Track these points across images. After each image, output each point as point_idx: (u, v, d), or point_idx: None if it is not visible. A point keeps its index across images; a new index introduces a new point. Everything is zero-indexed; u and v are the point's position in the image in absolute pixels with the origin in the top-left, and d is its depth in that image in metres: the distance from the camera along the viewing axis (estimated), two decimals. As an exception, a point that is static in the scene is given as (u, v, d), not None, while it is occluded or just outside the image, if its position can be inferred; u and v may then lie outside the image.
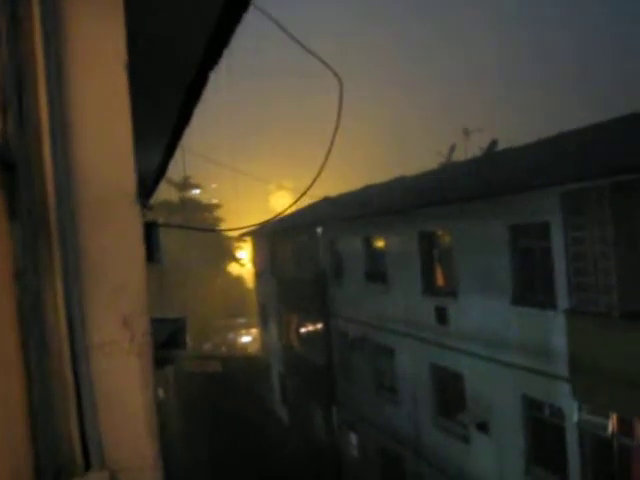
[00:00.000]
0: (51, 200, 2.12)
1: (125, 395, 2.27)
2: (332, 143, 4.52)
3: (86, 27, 2.20)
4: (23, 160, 1.86)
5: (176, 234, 32.09)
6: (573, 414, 14.79)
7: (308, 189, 4.67)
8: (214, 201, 59.46)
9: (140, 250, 2.30)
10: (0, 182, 1.65)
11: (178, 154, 7.60)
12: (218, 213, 59.27)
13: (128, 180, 2.29)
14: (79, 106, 2.21)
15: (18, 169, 1.73)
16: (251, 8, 3.52)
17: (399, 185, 27.38)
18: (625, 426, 13.80)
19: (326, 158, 4.52)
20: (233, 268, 60.15)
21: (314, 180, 4.51)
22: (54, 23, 2.14)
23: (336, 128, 4.52)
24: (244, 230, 32.00)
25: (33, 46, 2.10)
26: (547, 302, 15.26)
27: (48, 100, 2.13)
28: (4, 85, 1.71)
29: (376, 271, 23.84)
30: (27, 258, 1.83)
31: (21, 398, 1.75)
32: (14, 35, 1.78)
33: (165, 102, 4.87)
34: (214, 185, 65.98)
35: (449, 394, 20.27)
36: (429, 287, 20.49)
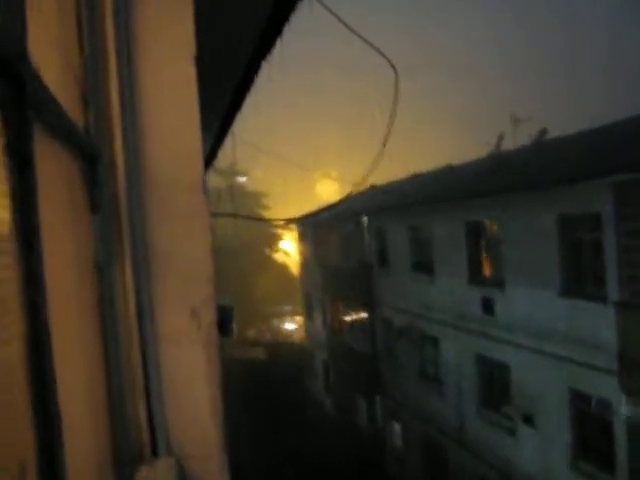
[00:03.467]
0: (122, 193, 2.16)
1: (191, 384, 2.31)
2: (388, 133, 4.52)
3: (157, 21, 2.23)
4: (103, 154, 1.90)
5: (224, 221, 32.33)
6: (621, 408, 14.57)
7: (364, 179, 4.68)
8: (260, 189, 59.80)
9: (207, 241, 2.34)
10: (83, 175, 1.69)
11: (226, 141, 7.66)
12: (264, 201, 59.59)
13: (196, 172, 2.32)
14: (150, 100, 2.25)
15: (99, 163, 1.77)
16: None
17: (447, 174, 27.15)
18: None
19: (383, 147, 4.52)
20: (279, 256, 60.48)
21: (370, 170, 4.51)
22: (125, 19, 2.18)
23: (391, 118, 4.51)
24: (293, 219, 32.12)
25: (106, 41, 2.13)
26: (597, 294, 15.03)
27: (120, 94, 2.17)
28: (86, 79, 1.75)
29: (422, 261, 23.73)
30: (106, 251, 1.87)
31: (103, 386, 1.79)
32: (91, 32, 1.82)
33: (219, 90, 4.90)
34: (260, 173, 66.32)
35: (494, 386, 20.13)
36: (476, 277, 20.34)
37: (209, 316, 2.32)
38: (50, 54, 1.50)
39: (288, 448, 27.12)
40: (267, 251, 59.08)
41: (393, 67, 4.31)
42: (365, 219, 28.93)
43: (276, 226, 55.47)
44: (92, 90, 1.80)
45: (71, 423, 1.34)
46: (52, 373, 1.19)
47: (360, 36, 4.21)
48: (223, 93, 5.06)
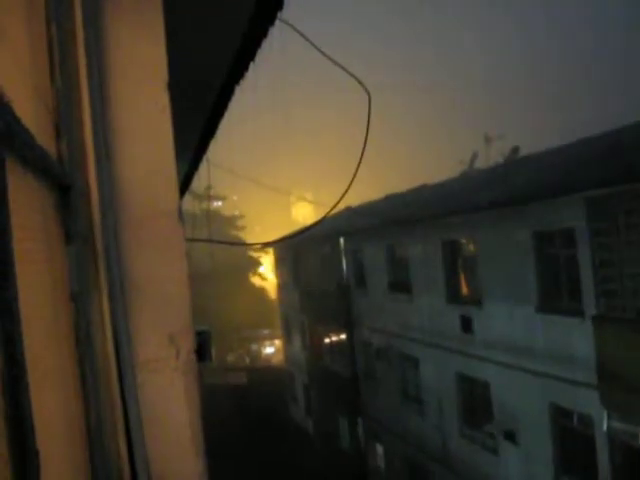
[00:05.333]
0: (97, 222, 2.14)
1: (171, 413, 2.28)
2: (362, 155, 4.53)
3: (129, 47, 2.23)
4: (76, 183, 1.89)
5: (201, 246, 32.22)
6: (602, 422, 14.63)
7: (339, 201, 4.69)
8: (236, 213, 59.81)
9: (184, 267, 2.32)
10: (57, 205, 1.68)
11: (202, 166, 7.66)
12: (241, 225, 59.60)
13: (171, 198, 2.31)
14: (123, 127, 2.24)
15: (73, 192, 1.75)
16: (277, 22, 3.55)
17: (421, 194, 27.33)
18: (656, 434, 13.63)
19: (356, 170, 4.53)
20: (256, 280, 60.38)
21: (345, 191, 4.52)
22: (97, 46, 2.18)
23: (365, 141, 4.53)
24: (270, 243, 32.11)
25: (77, 69, 2.13)
26: (574, 309, 15.13)
27: (92, 122, 2.16)
28: (58, 108, 1.74)
29: (400, 280, 23.79)
30: (81, 281, 1.85)
31: (80, 419, 1.77)
32: (62, 59, 1.81)
33: (193, 115, 4.90)
34: (235, 197, 66.35)
35: (475, 404, 20.14)
36: (454, 296, 20.40)
37: (188, 343, 2.30)
38: (20, 83, 1.49)
39: (270, 474, 26.89)
40: (244, 275, 58.97)
41: (366, 90, 4.34)
42: (342, 240, 28.98)
43: (253, 250, 55.44)
44: (64, 118, 1.78)
45: (49, 458, 1.32)
46: (28, 407, 1.17)
47: (332, 59, 4.23)
48: (197, 118, 5.07)
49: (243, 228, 59.89)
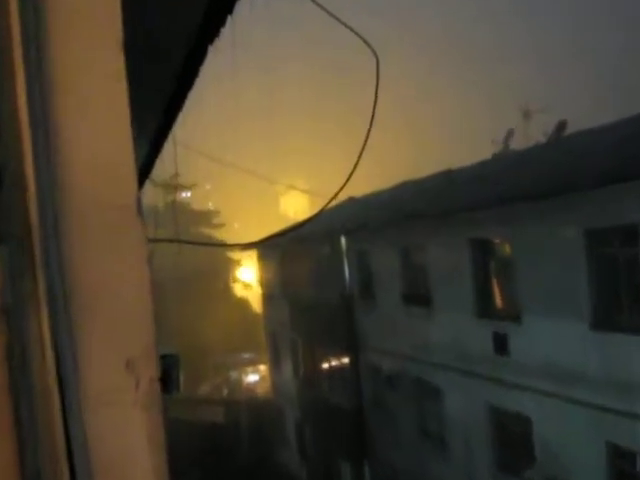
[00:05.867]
0: (34, 218, 2.12)
1: (130, 456, 2.27)
2: (368, 133, 4.54)
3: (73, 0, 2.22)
4: (7, 169, 1.88)
5: (166, 249, 32.17)
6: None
7: (340, 191, 4.68)
8: (210, 206, 59.82)
9: (144, 274, 2.31)
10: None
11: (166, 148, 7.65)
12: (216, 221, 59.62)
13: (128, 188, 2.29)
14: (67, 99, 2.23)
15: (3, 183, 1.74)
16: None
17: (444, 181, 27.31)
18: None
19: (362, 151, 4.54)
20: (237, 289, 60.42)
21: (348, 178, 4.52)
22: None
23: (372, 116, 4.54)
24: (253, 244, 32.00)
25: (8, 23, 2.11)
26: (638, 326, 15.12)
27: (27, 92, 2.15)
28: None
29: (417, 290, 23.81)
30: (15, 290, 1.84)
31: (13, 467, 1.76)
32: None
33: (155, 83, 4.89)
34: (208, 186, 66.27)
35: (512, 443, 20.16)
36: (485, 309, 20.43)
37: (150, 369, 2.29)
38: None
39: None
40: (221, 284, 58.97)
41: (373, 52, 4.35)
42: (343, 240, 28.99)
43: (232, 252, 55.42)
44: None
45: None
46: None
47: (334, 16, 4.24)
48: (161, 88, 5.06)
49: (220, 226, 59.92)
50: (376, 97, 4.50)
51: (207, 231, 57.20)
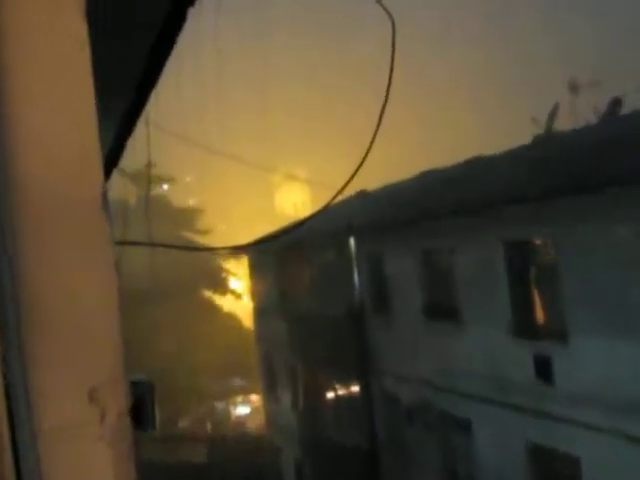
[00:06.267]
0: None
1: (94, 503, 2.27)
2: (382, 113, 4.54)
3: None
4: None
5: (137, 253, 32.19)
6: None
7: (349, 182, 4.68)
8: (192, 202, 59.86)
9: (112, 284, 2.31)
10: None
11: (138, 131, 7.66)
12: (199, 220, 59.58)
13: (92, 179, 2.29)
14: (20, 71, 2.23)
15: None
16: None
17: (474, 171, 27.30)
18: None
19: (375, 135, 4.54)
20: (224, 302, 60.37)
21: (358, 167, 4.52)
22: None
23: (387, 92, 4.54)
24: (242, 247, 32.01)
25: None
26: None
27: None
28: None
29: (442, 302, 23.80)
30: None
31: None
32: None
33: (124, 52, 4.89)
34: (191, 178, 66.35)
35: (558, 489, 20.17)
36: (524, 326, 20.40)
37: (117, 400, 2.29)
38: None
39: None
40: (205, 295, 59.00)
41: (389, 15, 4.35)
42: (353, 242, 29.00)
43: (218, 257, 55.42)
44: None
45: None
46: None
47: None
48: (131, 59, 5.06)
49: (206, 233, 59.82)
50: (392, 67, 4.49)
51: (188, 232, 57.16)
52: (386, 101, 4.62)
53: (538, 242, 20.39)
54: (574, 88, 33.61)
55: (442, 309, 23.70)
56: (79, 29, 2.27)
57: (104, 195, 2.34)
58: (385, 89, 4.59)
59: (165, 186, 57.60)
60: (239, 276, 56.87)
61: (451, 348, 23.17)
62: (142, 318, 43.59)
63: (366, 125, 4.68)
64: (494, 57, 76.84)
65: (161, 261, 44.65)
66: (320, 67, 78.13)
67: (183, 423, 50.88)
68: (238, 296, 58.29)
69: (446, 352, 23.41)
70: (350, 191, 31.31)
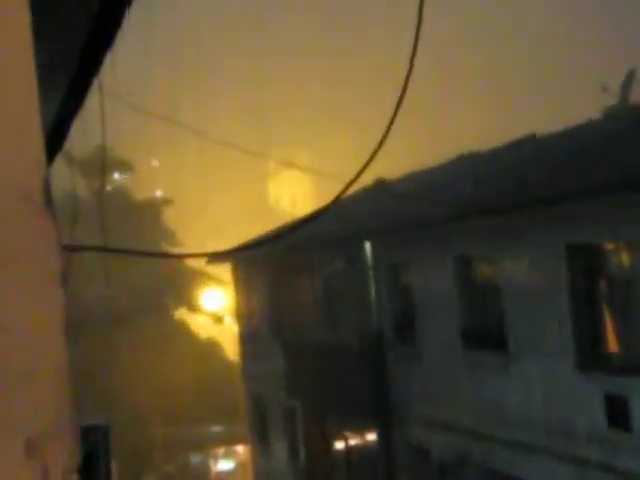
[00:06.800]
0: None
1: None
2: (406, 85, 4.55)
3: None
4: None
5: (91, 262, 32.33)
6: None
7: (363, 170, 4.68)
8: (159, 194, 59.95)
9: (56, 301, 2.30)
10: None
11: (90, 106, 7.68)
12: (168, 218, 59.69)
13: (29, 166, 2.30)
14: None
15: None
16: None
17: (528, 153, 27.31)
18: None
19: (396, 111, 4.54)
20: (200, 324, 60.44)
21: (375, 152, 4.52)
22: None
23: (412, 60, 4.55)
24: (225, 253, 32.01)
25: None
26: None
27: None
28: None
29: (484, 326, 23.82)
30: None
31: None
32: None
33: (70, 6, 4.92)
34: (156, 161, 66.39)
35: None
36: (591, 357, 20.42)
37: (63, 454, 2.29)
38: None
39: None
40: (176, 317, 59.11)
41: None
42: (369, 248, 29.03)
43: (193, 267, 55.56)
44: None
45: None
46: None
47: None
48: (80, 14, 5.08)
49: (171, 229, 59.91)
50: (416, 43, 4.52)
51: (153, 235, 57.28)
52: (409, 75, 4.62)
53: (610, 246, 20.36)
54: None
55: (485, 334, 23.71)
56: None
57: (46, 186, 2.34)
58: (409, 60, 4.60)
59: (126, 174, 57.70)
60: (221, 291, 56.88)
61: (497, 385, 23.19)
62: (95, 347, 43.67)
63: (386, 99, 4.69)
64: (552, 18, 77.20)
65: (120, 271, 44.74)
66: (324, 27, 78.24)
67: (149, 481, 51.05)
68: (218, 319, 58.32)
69: (491, 391, 23.43)
70: (364, 182, 31.38)
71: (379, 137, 4.62)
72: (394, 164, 24.02)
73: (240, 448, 50.92)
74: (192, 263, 54.16)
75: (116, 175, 56.28)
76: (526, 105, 65.99)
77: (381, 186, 32.68)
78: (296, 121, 73.99)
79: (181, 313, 59.42)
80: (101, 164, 49.03)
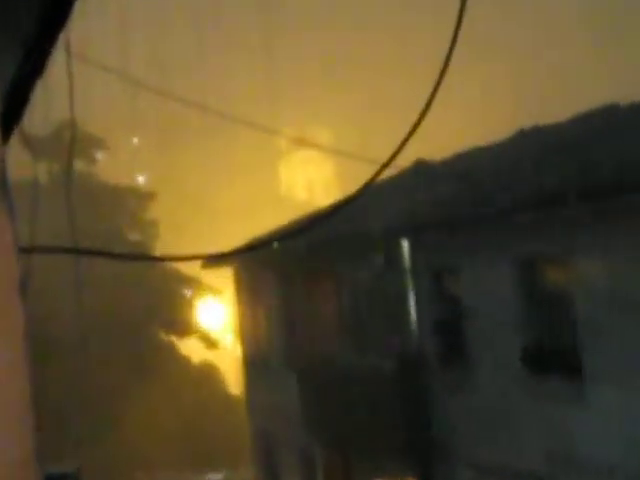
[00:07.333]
0: None
1: None
2: (451, 52, 4.58)
3: None
4: None
5: (56, 266, 32.51)
6: None
7: (399, 151, 4.71)
8: (139, 179, 60.10)
9: (15, 319, 2.33)
10: None
11: (53, 71, 7.71)
12: (151, 207, 59.81)
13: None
14: None
15: None
16: None
17: (610, 125, 27.26)
18: None
19: (439, 82, 4.58)
20: (192, 347, 60.46)
21: (414, 127, 4.55)
22: None
23: (456, 33, 4.59)
24: (225, 254, 31.98)
25: None
26: None
27: None
28: None
29: (553, 345, 23.81)
30: None
31: None
32: None
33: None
34: (136, 139, 66.42)
35: None
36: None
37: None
38: None
39: None
40: (162, 337, 59.21)
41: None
42: (406, 247, 29.04)
43: (183, 272, 55.74)
44: None
45: None
46: None
47: None
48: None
49: (159, 229, 60.00)
50: (462, 11, 4.56)
51: (133, 232, 57.46)
52: (455, 40, 4.67)
53: None
54: None
55: (554, 356, 23.69)
56: None
57: (1, 171, 2.36)
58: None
59: (97, 154, 57.79)
60: (218, 304, 57.01)
61: (569, 421, 23.19)
62: (69, 377, 43.86)
63: (421, 76, 4.75)
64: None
65: (91, 277, 44.85)
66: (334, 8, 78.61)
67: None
68: (212, 344, 58.39)
69: (562, 426, 23.43)
70: (399, 165, 31.36)
71: (408, 114, 4.68)
72: (433, 145, 23.97)
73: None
74: (183, 267, 54.31)
75: (85, 157, 56.25)
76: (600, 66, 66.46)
77: (423, 169, 32.65)
78: (311, 98, 74.15)
79: (168, 333, 59.41)
80: (68, 143, 49.33)
